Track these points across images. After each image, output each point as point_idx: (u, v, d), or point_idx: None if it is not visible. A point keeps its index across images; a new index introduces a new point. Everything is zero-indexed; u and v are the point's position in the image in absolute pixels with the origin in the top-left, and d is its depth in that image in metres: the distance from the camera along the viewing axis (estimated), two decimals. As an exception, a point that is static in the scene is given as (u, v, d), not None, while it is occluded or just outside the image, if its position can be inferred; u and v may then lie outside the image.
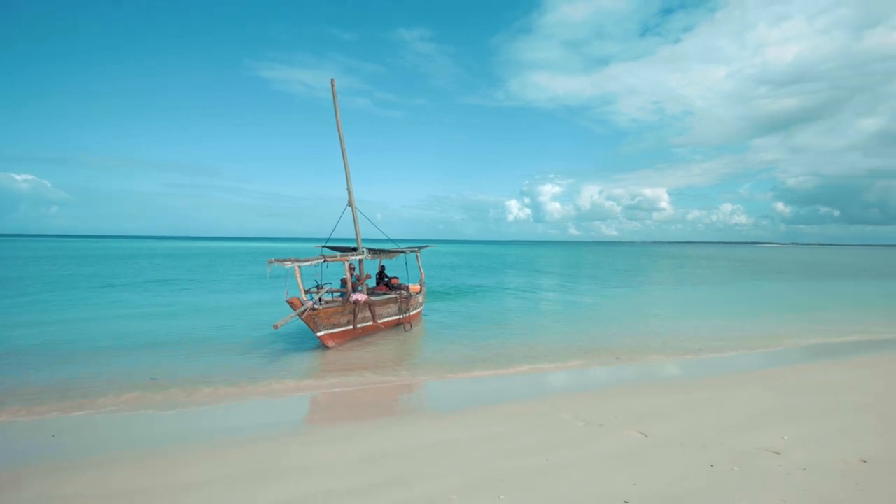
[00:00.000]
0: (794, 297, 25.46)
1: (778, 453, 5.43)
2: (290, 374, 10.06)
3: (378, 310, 13.63)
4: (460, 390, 9.32)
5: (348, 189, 14.81)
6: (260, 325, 15.45)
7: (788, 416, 6.83)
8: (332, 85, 14.24)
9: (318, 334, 11.73)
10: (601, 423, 6.77)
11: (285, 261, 11.34)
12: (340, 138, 14.53)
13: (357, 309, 12.66)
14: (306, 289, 12.39)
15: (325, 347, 11.96)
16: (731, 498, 4.38)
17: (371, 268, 15.96)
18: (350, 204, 14.94)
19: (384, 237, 16.48)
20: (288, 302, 11.36)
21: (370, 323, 13.41)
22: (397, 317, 14.73)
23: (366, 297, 13.08)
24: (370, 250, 15.01)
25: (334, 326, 12.19)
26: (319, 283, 13.45)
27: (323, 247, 16.04)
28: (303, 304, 11.36)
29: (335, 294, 14.12)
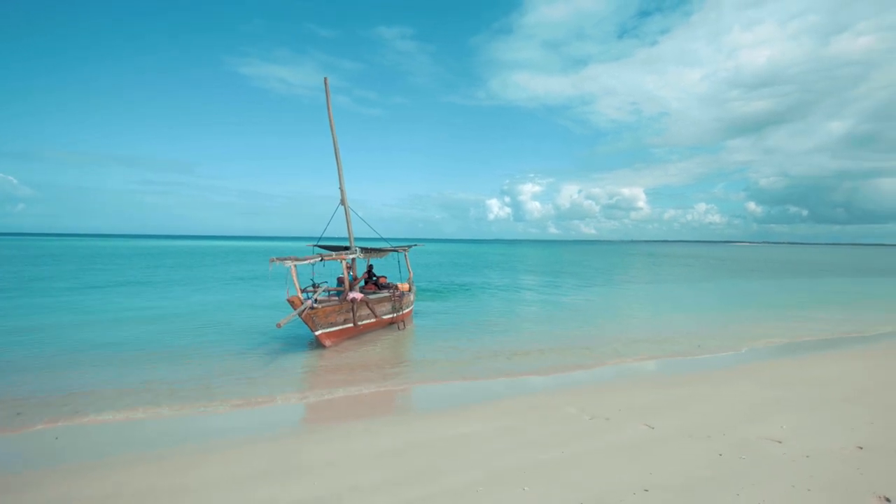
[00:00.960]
0: (773, 295, 26.31)
1: (780, 442, 5.70)
2: (292, 374, 10.06)
3: (374, 308, 13.65)
4: (462, 387, 9.42)
5: (341, 188, 14.79)
6: (253, 324, 15.31)
7: (783, 408, 7.15)
8: (326, 83, 14.20)
9: (316, 333, 11.71)
10: (607, 416, 6.98)
11: (286, 259, 11.29)
12: (333, 138, 14.49)
13: (355, 307, 12.66)
14: (302, 288, 12.36)
15: (322, 346, 11.93)
16: (744, 484, 4.60)
17: (359, 267, 15.94)
18: (343, 203, 14.93)
19: (376, 236, 16.50)
20: (288, 301, 11.31)
21: (366, 321, 13.41)
22: (391, 315, 14.76)
23: (362, 295, 13.09)
24: (363, 249, 15.03)
25: (331, 325, 12.17)
26: (315, 282, 13.40)
27: (315, 245, 15.97)
28: (302, 303, 11.32)
29: (331, 293, 14.09)
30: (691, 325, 16.06)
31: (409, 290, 16.33)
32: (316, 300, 12.42)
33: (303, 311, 11.19)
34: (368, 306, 13.28)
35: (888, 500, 4.21)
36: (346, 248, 15.09)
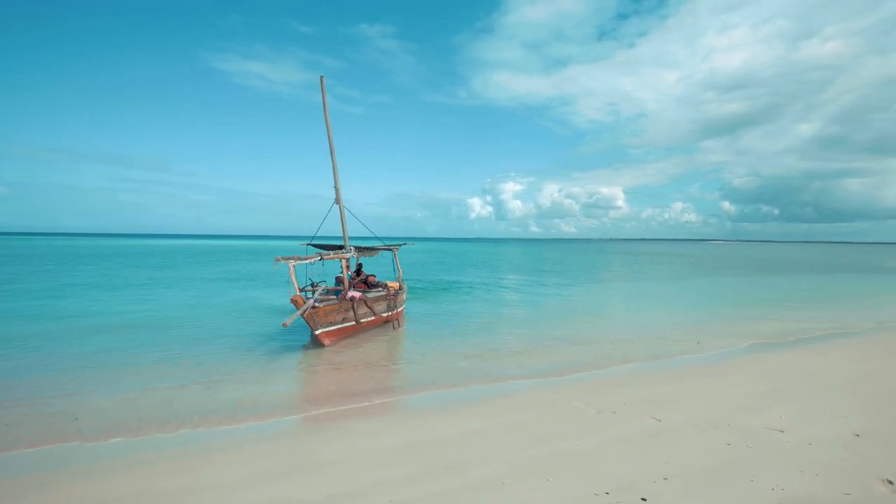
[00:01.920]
0: (754, 292, 27.13)
1: (782, 431, 5.99)
2: (293, 373, 10.07)
3: (372, 307, 13.69)
4: (462, 386, 9.51)
5: (336, 187, 14.78)
6: (248, 324, 15.19)
7: (779, 399, 7.47)
8: (322, 82, 14.17)
9: (316, 332, 11.71)
10: (613, 410, 7.19)
11: (290, 258, 11.31)
12: (329, 137, 14.47)
13: (355, 306, 12.69)
14: (301, 287, 12.35)
15: (321, 345, 11.94)
16: (756, 470, 4.84)
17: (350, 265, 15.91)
18: (337, 202, 14.92)
19: (362, 234, 16.53)
20: (292, 301, 11.31)
21: (366, 320, 13.45)
22: (387, 314, 14.81)
23: (361, 294, 13.12)
24: (357, 248, 15.05)
25: (331, 324, 12.18)
26: (313, 281, 13.39)
27: (308, 244, 15.92)
28: (305, 303, 11.32)
29: (329, 292, 14.07)
30: (681, 322, 16.48)
31: (400, 289, 16.37)
32: (316, 299, 12.42)
33: (305, 310, 11.18)
34: (367, 305, 13.32)
35: (891, 482, 4.49)
36: (341, 247, 15.10)
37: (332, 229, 15.50)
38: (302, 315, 11.20)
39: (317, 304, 11.62)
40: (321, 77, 14.05)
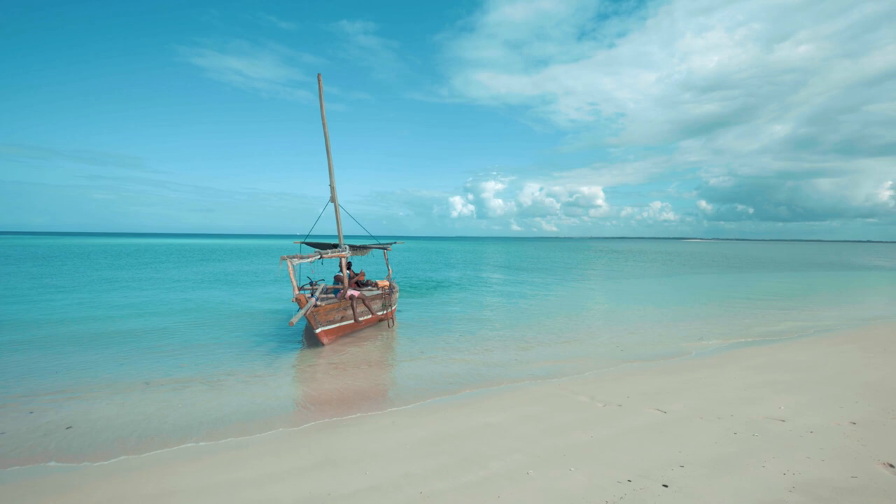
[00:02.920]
0: (736, 289, 27.87)
1: (783, 421, 6.28)
2: (297, 372, 10.06)
3: (370, 305, 13.72)
4: (465, 382, 9.64)
5: (331, 185, 14.75)
6: (240, 324, 15.09)
7: (775, 391, 7.79)
8: (319, 80, 14.13)
9: (316, 331, 11.71)
10: (619, 403, 7.42)
11: (293, 257, 11.30)
12: (325, 135, 14.44)
13: (354, 304, 12.72)
14: (300, 286, 12.33)
15: (320, 344, 11.94)
16: (766, 457, 5.09)
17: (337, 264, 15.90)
18: (333, 200, 14.89)
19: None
20: (297, 299, 11.29)
21: (363, 318, 13.48)
22: (383, 312, 14.86)
23: (360, 292, 13.15)
24: (350, 247, 15.05)
25: (330, 323, 12.20)
26: (312, 279, 13.37)
27: (302, 243, 15.86)
28: (307, 301, 11.32)
29: (327, 290, 14.06)
30: (669, 318, 16.91)
31: (391, 288, 16.36)
32: (318, 298, 12.42)
33: (308, 309, 11.18)
34: (365, 303, 13.35)
35: (892, 465, 4.77)
36: (336, 246, 15.08)
37: (321, 228, 15.50)
38: (305, 314, 11.21)
39: (318, 303, 11.62)
40: (318, 75, 14.02)
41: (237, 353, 11.30)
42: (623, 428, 6.28)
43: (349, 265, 16.21)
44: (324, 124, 14.29)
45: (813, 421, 6.21)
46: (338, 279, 14.59)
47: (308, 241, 15.69)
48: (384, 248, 16.70)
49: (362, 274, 15.64)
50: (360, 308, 13.24)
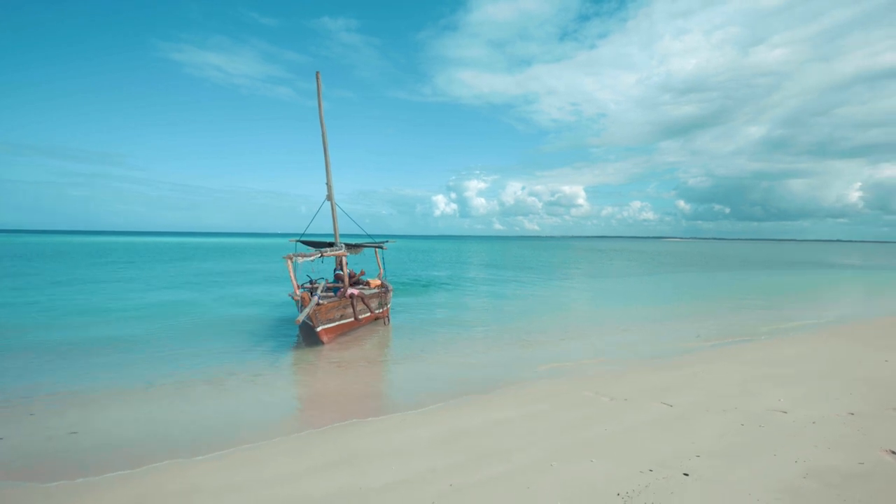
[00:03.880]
0: (718, 288, 28.61)
1: (785, 412, 6.55)
2: (299, 372, 10.08)
3: (368, 304, 13.76)
4: (467, 379, 9.73)
5: (328, 183, 14.72)
6: (233, 323, 14.98)
7: (772, 385, 8.08)
8: (318, 78, 14.08)
9: (317, 329, 11.71)
10: (625, 398, 7.63)
11: (297, 256, 11.33)
12: (323, 133, 14.39)
13: (354, 303, 12.75)
14: (299, 284, 12.32)
15: (318, 343, 11.94)
16: (775, 446, 5.33)
17: (330, 262, 15.85)
18: (329, 198, 14.86)
19: (359, 231, 16.56)
20: (300, 298, 11.30)
21: (362, 316, 13.52)
22: (378, 311, 14.89)
23: (359, 291, 13.18)
24: (346, 245, 15.04)
25: (330, 321, 12.21)
26: (312, 278, 13.36)
27: (298, 241, 15.79)
28: (311, 300, 11.33)
29: (327, 289, 14.06)
30: (658, 316, 17.31)
31: (383, 286, 16.27)
32: (320, 296, 12.42)
33: (311, 307, 11.19)
34: (364, 302, 13.39)
35: (894, 452, 5.05)
36: (331, 245, 15.06)
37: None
38: (309, 312, 11.22)
39: (320, 302, 11.64)
40: (317, 73, 13.99)
41: (236, 353, 11.23)
42: (633, 421, 6.48)
43: (347, 263, 16.19)
44: (321, 123, 14.24)
45: (813, 412, 6.49)
46: (339, 277, 14.57)
47: (303, 239, 15.63)
48: (378, 247, 16.72)
49: (362, 272, 15.66)
50: (359, 307, 13.27)
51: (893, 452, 5.04)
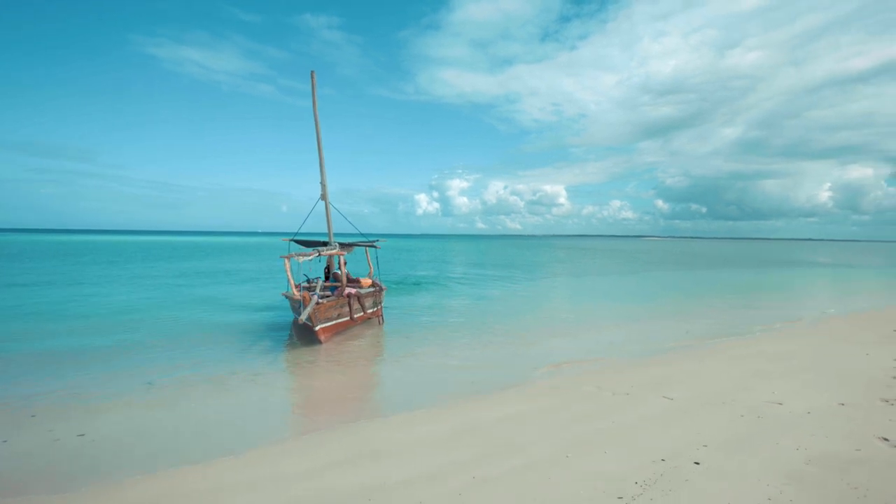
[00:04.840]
0: (699, 286, 29.34)
1: (781, 404, 6.86)
2: (301, 372, 10.09)
3: (363, 303, 13.80)
4: (469, 379, 9.84)
5: (322, 182, 14.71)
6: (226, 323, 14.86)
7: (764, 379, 8.42)
8: (312, 77, 14.06)
9: (316, 328, 11.72)
10: (626, 392, 7.87)
11: (298, 255, 11.33)
12: (317, 132, 14.36)
13: (352, 302, 12.79)
14: (296, 283, 12.31)
15: (315, 342, 11.94)
16: (777, 436, 5.61)
17: (323, 262, 15.81)
18: (323, 198, 14.85)
19: (353, 230, 16.58)
20: (301, 298, 11.29)
21: (358, 315, 13.55)
22: (373, 310, 14.94)
23: (356, 290, 13.22)
24: (339, 244, 15.05)
25: (328, 320, 12.22)
26: (308, 277, 13.36)
27: (291, 240, 15.71)
28: (311, 299, 11.33)
29: (324, 288, 14.06)
30: (646, 313, 17.73)
31: (374, 286, 16.24)
32: (319, 296, 12.42)
33: (312, 306, 11.20)
34: (360, 301, 13.43)
35: (886, 439, 5.37)
36: (325, 244, 15.04)
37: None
38: (309, 311, 11.23)
39: (319, 301, 11.65)
40: (312, 72, 13.96)
41: (235, 353, 11.18)
42: (638, 414, 6.71)
43: (346, 262, 16.19)
44: (316, 123, 14.22)
45: (806, 403, 6.82)
46: (336, 277, 14.58)
47: (297, 238, 15.57)
48: (370, 246, 16.73)
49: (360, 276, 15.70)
50: (356, 306, 13.31)
51: (886, 439, 5.36)
